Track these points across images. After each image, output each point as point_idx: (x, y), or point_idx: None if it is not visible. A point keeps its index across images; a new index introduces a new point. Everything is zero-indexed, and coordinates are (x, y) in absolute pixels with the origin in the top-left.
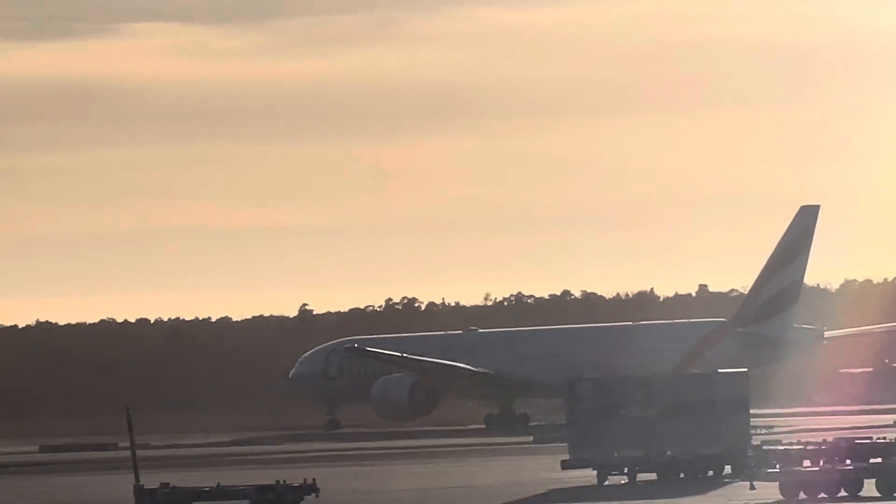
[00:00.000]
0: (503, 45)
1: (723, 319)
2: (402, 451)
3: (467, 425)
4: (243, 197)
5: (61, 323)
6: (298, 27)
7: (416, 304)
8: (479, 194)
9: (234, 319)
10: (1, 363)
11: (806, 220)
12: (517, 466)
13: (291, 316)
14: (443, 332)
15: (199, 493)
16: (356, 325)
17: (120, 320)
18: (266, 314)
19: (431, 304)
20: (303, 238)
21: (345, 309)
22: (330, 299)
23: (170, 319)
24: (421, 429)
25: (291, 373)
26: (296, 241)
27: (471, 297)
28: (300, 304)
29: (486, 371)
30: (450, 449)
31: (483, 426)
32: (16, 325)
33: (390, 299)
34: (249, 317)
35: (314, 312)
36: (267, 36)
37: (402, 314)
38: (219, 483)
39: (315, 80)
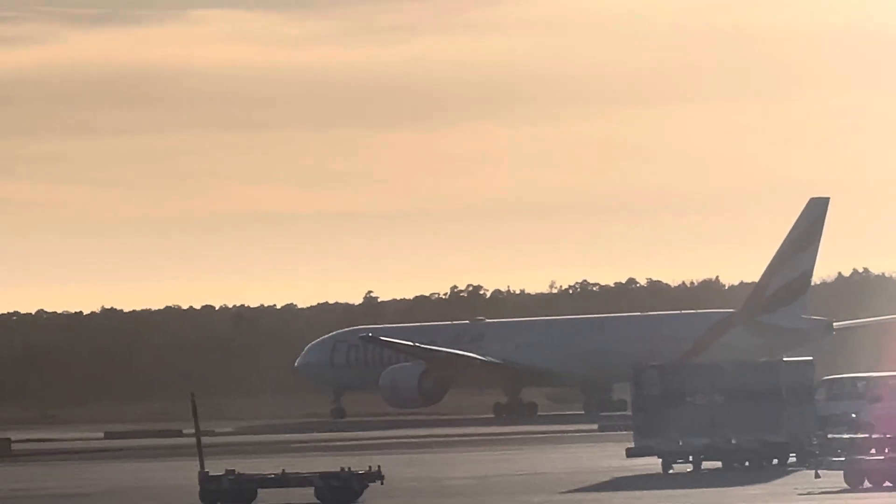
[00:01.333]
0: (568, 31)
1: (732, 310)
2: (462, 438)
3: (476, 414)
4: (308, 183)
5: (126, 309)
6: (364, 13)
7: (482, 292)
8: (545, 181)
9: (299, 306)
10: (66, 349)
11: (816, 211)
12: (581, 454)
13: (357, 303)
14: (450, 322)
15: (264, 480)
16: (422, 313)
17: (185, 307)
18: (331, 301)
19: (497, 292)
20: (368, 225)
21: (410, 296)
22: (395, 286)
23: (235, 306)
24: (433, 417)
25: (298, 361)
26: (361, 227)
27: (536, 284)
28: (365, 291)
29: (495, 360)
30: (511, 437)
31: (492, 415)
32: (81, 312)
33: (455, 286)
34: (315, 304)
35: (379, 300)
36: (333, 22)
37: (467, 301)
38: (284, 470)
39: (381, 66)
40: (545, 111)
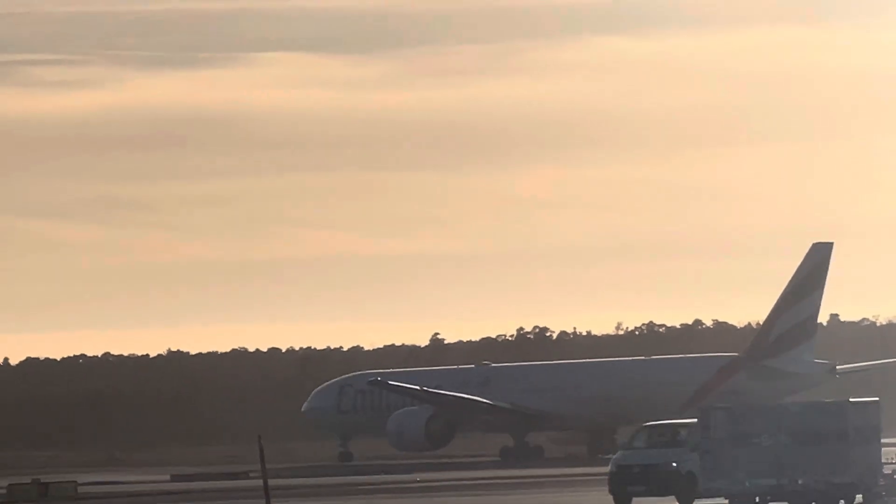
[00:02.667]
0: (629, 74)
1: (735, 354)
2: (512, 481)
3: (484, 457)
4: (374, 226)
5: (192, 352)
6: (424, 57)
7: (548, 334)
8: (610, 223)
9: (365, 348)
10: (133, 393)
11: (818, 256)
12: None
13: (423, 345)
14: (456, 367)
15: None
16: (488, 355)
17: (251, 349)
18: (398, 343)
19: (563, 334)
20: (435, 267)
21: (476, 338)
22: (461, 328)
23: (301, 348)
24: (442, 460)
25: (304, 406)
26: (428, 269)
27: (602, 326)
28: (432, 333)
29: (502, 404)
30: (560, 479)
31: (498, 458)
32: (147, 355)
33: (522, 328)
34: (381, 346)
35: (445, 342)
36: (393, 65)
37: (533, 343)
38: None
39: (442, 109)
40: (608, 153)
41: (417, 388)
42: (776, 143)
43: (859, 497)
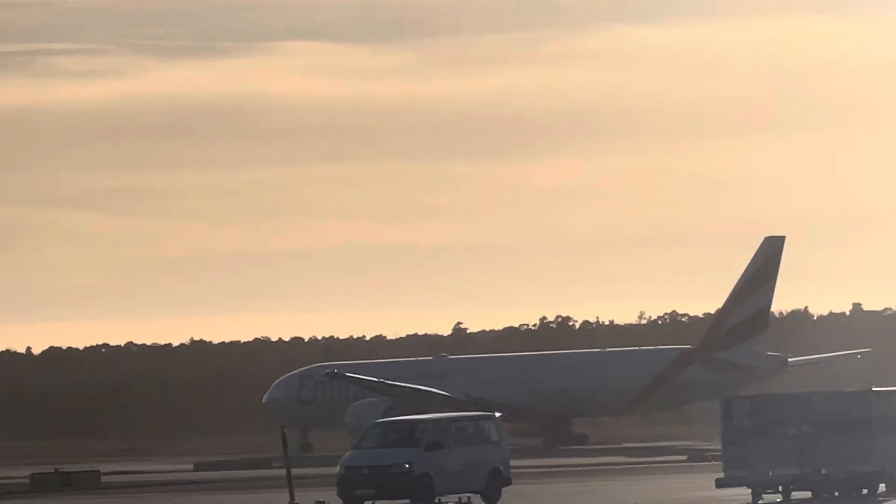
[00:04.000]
0: (651, 63)
1: (689, 346)
2: (546, 469)
3: None
4: (395, 215)
5: (215, 342)
6: (444, 46)
7: (571, 323)
8: (632, 212)
9: (388, 338)
10: (156, 382)
11: (771, 249)
12: (670, 485)
13: (445, 334)
14: (414, 359)
15: None
16: (511, 344)
17: (274, 339)
18: (420, 332)
19: (586, 323)
20: (458, 256)
21: (499, 327)
22: (484, 318)
23: (324, 338)
24: None
25: (265, 397)
26: (451, 259)
27: (625, 315)
28: (454, 323)
29: (457, 396)
30: (596, 468)
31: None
32: (170, 344)
33: (545, 318)
34: (403, 335)
35: (468, 331)
36: (413, 55)
37: (556, 333)
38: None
39: (464, 98)
40: (630, 143)
41: (373, 379)
42: (799, 134)
43: (882, 486)
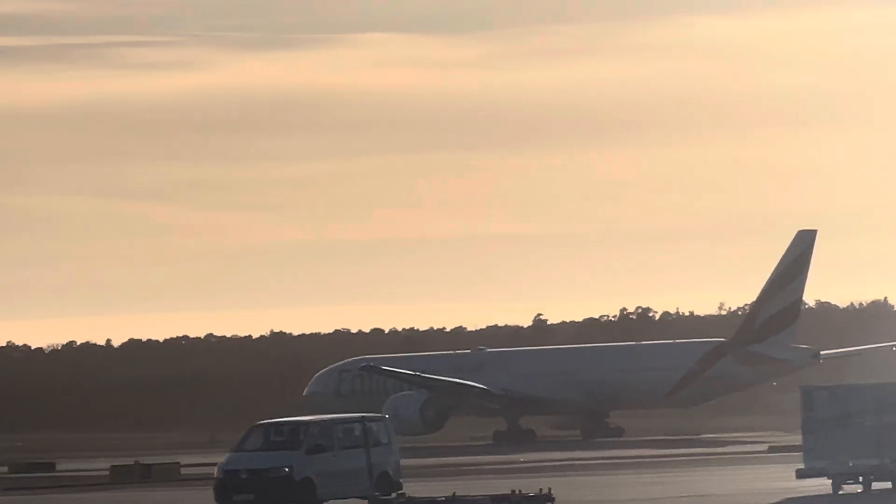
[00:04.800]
0: (726, 54)
1: (722, 339)
2: (627, 460)
3: (476, 441)
4: (476, 207)
5: (295, 333)
6: (521, 37)
7: (651, 314)
8: (713, 203)
9: (468, 329)
10: (235, 374)
11: (804, 242)
12: (749, 475)
13: (526, 325)
14: (452, 352)
15: (434, 503)
16: (591, 335)
17: (354, 330)
18: (500, 324)
19: (666, 314)
20: (538, 247)
21: (579, 318)
22: (565, 309)
23: (404, 329)
24: (436, 444)
25: (306, 391)
26: (531, 250)
27: (705, 306)
28: (535, 314)
29: (494, 389)
30: (675, 458)
31: (491, 441)
32: (250, 336)
33: (625, 308)
34: (484, 326)
35: (548, 322)
36: (493, 46)
37: (636, 324)
38: (454, 493)
39: (541, 90)
40: (709, 134)
41: (409, 372)
42: (871, 125)
43: None
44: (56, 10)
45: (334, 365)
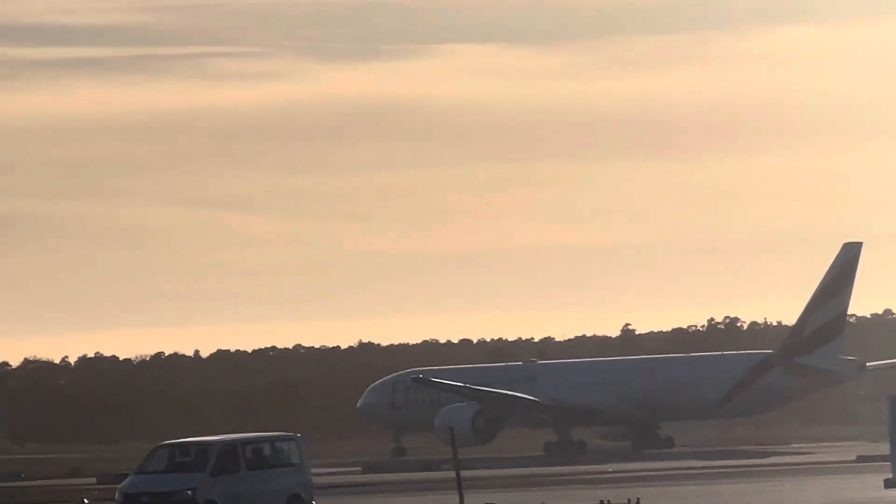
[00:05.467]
0: (813, 63)
1: (770, 351)
2: (715, 470)
3: (526, 453)
4: (563, 216)
5: (384, 343)
6: (607, 47)
7: (738, 324)
8: (798, 212)
9: (556, 339)
10: (324, 384)
11: (849, 255)
12: (837, 485)
13: (614, 336)
14: (504, 364)
15: None
16: (679, 345)
17: (442, 341)
18: (588, 334)
19: (753, 324)
20: (626, 257)
21: (667, 329)
22: (652, 319)
23: (492, 340)
24: (486, 455)
25: (360, 402)
26: (619, 260)
27: (793, 315)
28: (623, 324)
29: (544, 400)
30: (764, 468)
31: (542, 453)
32: (338, 346)
33: (712, 318)
34: (572, 336)
35: (636, 332)
36: (577, 56)
37: (724, 333)
38: (543, 503)
39: (627, 99)
40: (794, 143)
41: (459, 384)
42: None
43: None
44: (147, 22)
45: (388, 377)
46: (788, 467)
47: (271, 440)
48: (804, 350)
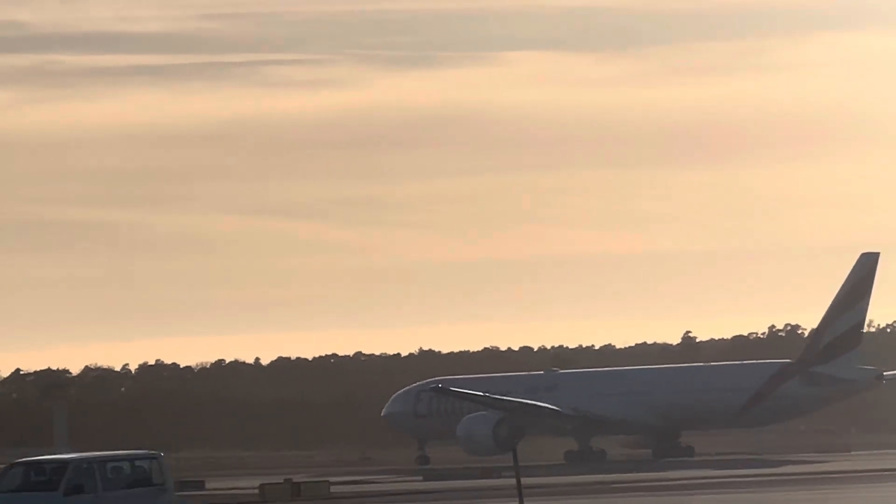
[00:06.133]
0: (871, 70)
1: (788, 360)
2: (775, 477)
3: (547, 461)
4: (622, 223)
5: (444, 351)
6: (668, 55)
7: (799, 331)
8: (859, 220)
9: (616, 347)
10: (384, 391)
11: (867, 265)
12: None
13: (675, 343)
14: (525, 373)
15: None
16: (740, 352)
17: (503, 348)
18: (649, 341)
19: (814, 331)
20: (687, 265)
21: (728, 336)
22: (713, 326)
23: (553, 347)
24: (508, 464)
25: (384, 411)
26: (680, 267)
27: None
28: (683, 332)
29: (565, 409)
30: (825, 476)
31: (563, 462)
32: (399, 354)
33: (773, 326)
34: (633, 344)
35: (697, 339)
36: (637, 63)
37: (785, 341)
38: None
39: (686, 107)
40: (851, 151)
41: (479, 393)
42: None
43: None
44: (208, 30)
45: (413, 385)
46: (851, 475)
47: (131, 458)
48: (822, 359)
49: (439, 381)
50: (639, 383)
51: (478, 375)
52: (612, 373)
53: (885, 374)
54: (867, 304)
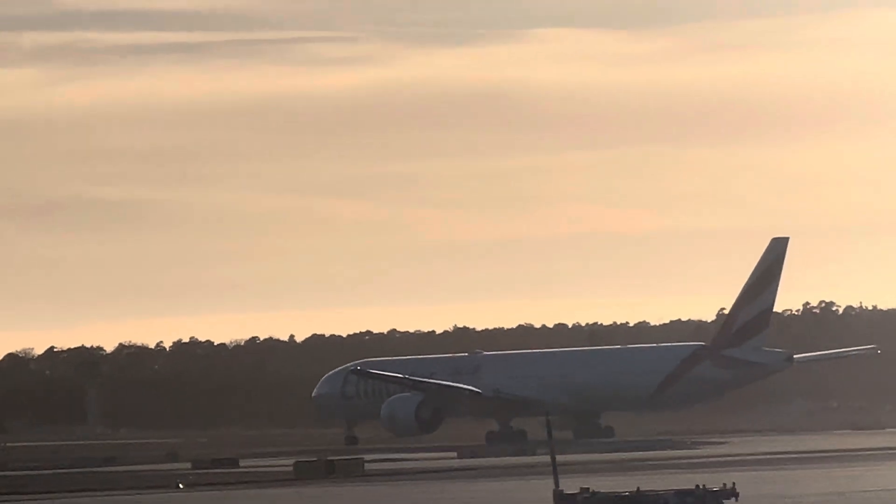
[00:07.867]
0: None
1: (702, 343)
2: (808, 454)
3: (467, 442)
4: (656, 201)
5: (479, 328)
6: (701, 32)
7: (834, 308)
8: (892, 196)
9: (651, 324)
10: None
11: (777, 250)
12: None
13: (709, 320)
14: (450, 355)
15: (619, 498)
16: (774, 329)
17: (538, 325)
18: (684, 318)
19: (849, 308)
20: (720, 242)
21: None
22: None
23: (588, 324)
24: (429, 444)
25: (314, 392)
26: (713, 244)
27: (889, 300)
28: (718, 308)
29: (486, 391)
30: (857, 453)
31: (484, 442)
32: (433, 331)
33: (807, 303)
34: (667, 321)
35: None
36: (669, 41)
37: (819, 318)
38: (638, 488)
39: (719, 84)
40: (885, 128)
41: (398, 375)
42: None
43: None
44: (240, 7)
45: (340, 367)
46: (881, 452)
47: None
48: (733, 343)
49: (358, 364)
50: (557, 366)
51: (404, 357)
52: (533, 355)
53: (796, 356)
54: (776, 288)
